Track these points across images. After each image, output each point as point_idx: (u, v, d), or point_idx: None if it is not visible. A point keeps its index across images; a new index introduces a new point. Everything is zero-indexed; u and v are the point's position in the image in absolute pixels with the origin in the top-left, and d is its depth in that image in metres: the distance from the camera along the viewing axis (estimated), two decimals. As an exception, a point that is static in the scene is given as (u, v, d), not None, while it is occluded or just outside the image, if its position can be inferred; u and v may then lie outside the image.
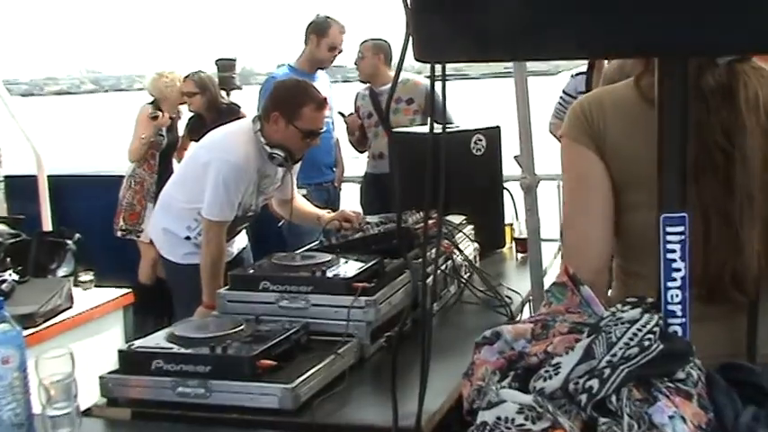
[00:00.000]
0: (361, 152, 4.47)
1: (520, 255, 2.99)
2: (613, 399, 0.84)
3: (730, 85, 1.19)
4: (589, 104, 1.32)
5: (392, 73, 4.22)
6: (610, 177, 1.28)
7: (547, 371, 0.89)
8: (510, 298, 2.40)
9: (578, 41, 0.89)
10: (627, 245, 1.31)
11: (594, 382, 0.85)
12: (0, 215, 3.55)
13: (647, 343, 0.88)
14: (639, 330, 0.90)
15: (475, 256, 2.65)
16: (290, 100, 2.72)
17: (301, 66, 4.17)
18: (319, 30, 4.13)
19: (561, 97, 4.00)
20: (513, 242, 3.07)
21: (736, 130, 1.18)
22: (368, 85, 4.36)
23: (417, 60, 0.94)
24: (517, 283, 2.56)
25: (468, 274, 2.50)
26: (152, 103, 4.50)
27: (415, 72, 4.36)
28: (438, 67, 1.04)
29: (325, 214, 2.92)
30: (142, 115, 4.40)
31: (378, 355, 1.98)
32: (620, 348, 0.88)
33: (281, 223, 3.97)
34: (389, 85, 4.14)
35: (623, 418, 0.83)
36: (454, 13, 0.89)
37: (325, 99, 2.78)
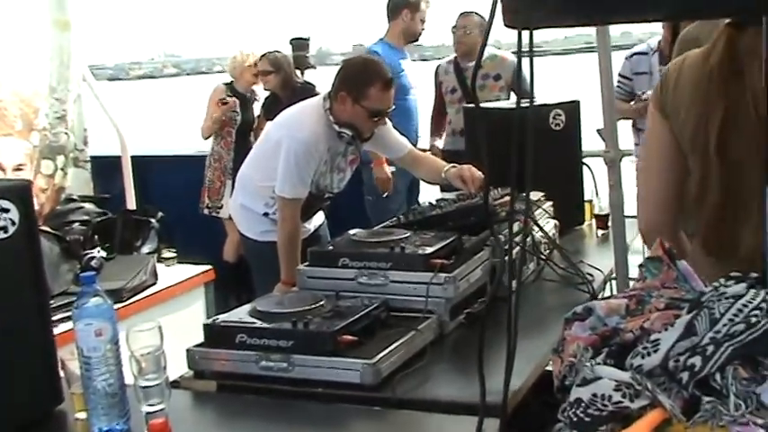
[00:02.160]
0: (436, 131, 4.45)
1: (600, 231, 2.91)
2: (717, 377, 0.81)
3: None
4: (669, 68, 1.40)
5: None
6: (674, 139, 1.36)
7: (645, 347, 0.86)
8: (591, 275, 2.34)
9: (672, 2, 0.84)
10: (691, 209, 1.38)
11: (697, 360, 0.82)
12: (87, 194, 3.67)
13: (753, 319, 0.84)
14: (745, 306, 0.85)
15: (554, 233, 2.59)
16: (357, 79, 2.71)
17: (395, 40, 4.16)
18: (412, 4, 4.12)
19: (618, 81, 3.87)
20: (593, 219, 2.99)
21: None
22: (451, 57, 4.31)
23: (506, 26, 0.91)
24: (598, 261, 2.49)
25: (547, 251, 2.45)
26: (228, 84, 4.59)
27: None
28: (525, 35, 1.01)
29: (451, 169, 2.81)
30: (214, 95, 4.51)
31: (457, 331, 1.97)
32: (725, 325, 0.84)
33: (385, 194, 4.00)
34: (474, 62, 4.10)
35: (729, 397, 0.79)
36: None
37: (392, 79, 2.75)
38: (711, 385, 0.81)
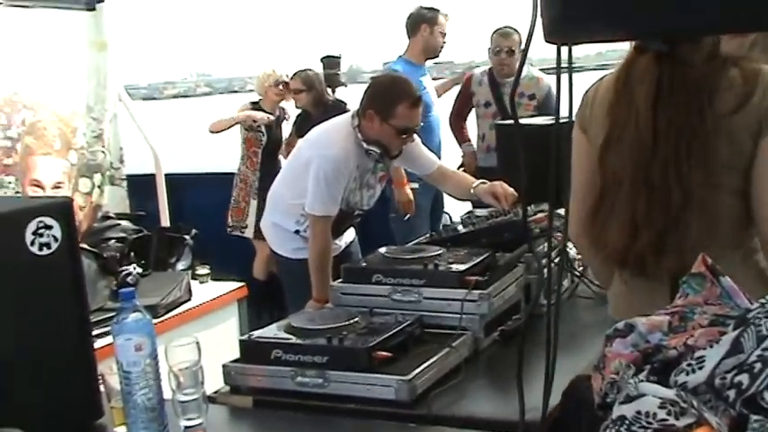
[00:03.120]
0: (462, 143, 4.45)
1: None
2: (766, 395, 0.79)
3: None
4: (591, 87, 1.56)
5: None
6: (592, 155, 1.50)
7: (690, 364, 0.85)
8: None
9: (722, 13, 0.84)
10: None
11: (744, 377, 0.80)
12: (124, 212, 3.72)
13: (801, 336, 0.82)
14: (792, 323, 0.84)
15: (588, 250, 2.57)
16: (385, 98, 2.73)
17: (415, 57, 4.17)
18: (430, 18, 4.13)
19: None
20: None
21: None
22: (485, 68, 4.30)
23: (547, 41, 0.92)
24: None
25: (581, 268, 2.43)
26: (255, 102, 4.64)
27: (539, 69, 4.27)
28: (564, 51, 1.01)
29: (480, 185, 2.81)
30: (241, 109, 4.57)
31: (492, 348, 1.96)
32: (772, 342, 0.82)
33: (407, 217, 4.00)
34: (513, 78, 4.10)
35: (777, 415, 0.78)
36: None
37: (420, 97, 2.76)
38: (759, 404, 0.80)
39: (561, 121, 1.14)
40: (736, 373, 0.81)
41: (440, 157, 3.90)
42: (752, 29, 1.23)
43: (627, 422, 0.83)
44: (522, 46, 4.00)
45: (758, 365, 0.81)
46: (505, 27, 4.23)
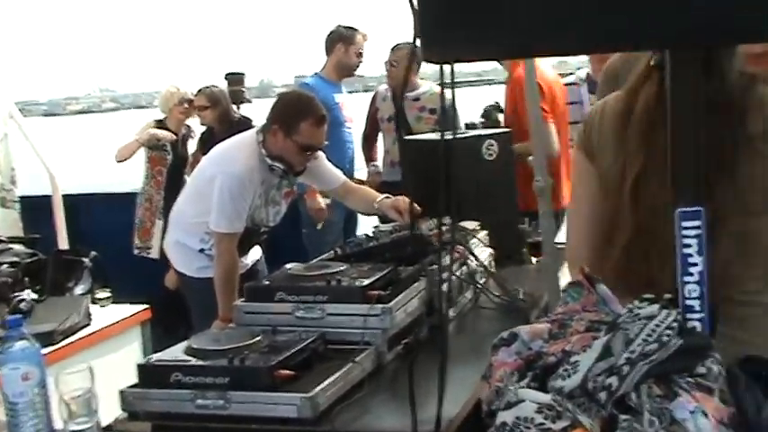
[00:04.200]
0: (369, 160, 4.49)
1: (535, 259, 2.98)
2: (633, 396, 0.84)
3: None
4: (592, 112, 1.41)
5: (420, 80, 4.23)
6: (600, 180, 1.35)
7: (566, 369, 0.89)
8: (526, 302, 2.39)
9: (587, 35, 0.89)
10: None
11: (614, 380, 0.85)
12: (16, 235, 3.57)
13: (665, 339, 0.88)
14: (657, 326, 0.89)
15: (490, 261, 2.64)
16: (290, 114, 2.74)
17: (330, 75, 4.21)
18: (346, 38, 4.18)
19: None
20: (528, 246, 3.06)
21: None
22: (389, 87, 4.37)
23: (426, 61, 0.95)
24: (533, 288, 2.55)
25: (483, 280, 2.49)
26: (160, 121, 4.55)
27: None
28: (447, 69, 1.05)
29: (384, 199, 2.86)
30: (144, 126, 4.47)
31: (395, 362, 1.98)
32: (639, 345, 0.87)
33: (319, 226, 3.99)
34: (416, 92, 4.18)
35: (644, 414, 0.82)
36: (461, 12, 0.89)
37: (324, 115, 2.78)
38: (628, 404, 0.84)
39: (446, 137, 1.17)
40: (606, 375, 0.85)
41: (352, 176, 3.95)
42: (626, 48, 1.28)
43: (508, 428, 0.86)
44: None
45: (626, 368, 0.85)
46: (403, 42, 4.31)
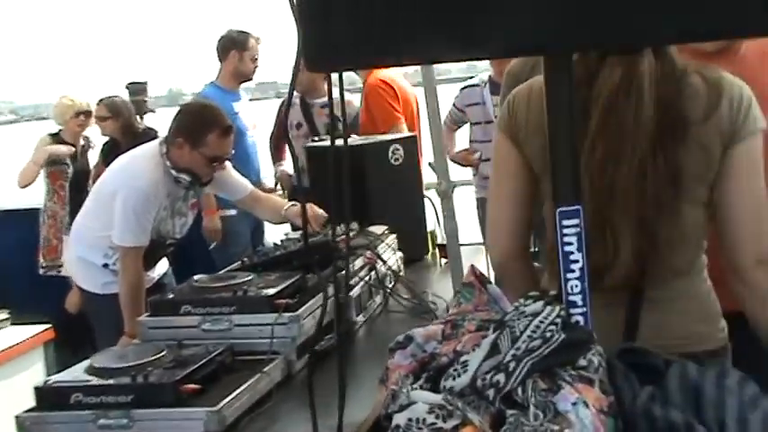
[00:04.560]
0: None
1: (443, 260, 3.03)
2: (519, 391, 0.87)
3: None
4: (515, 96, 1.40)
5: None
6: (526, 165, 1.37)
7: (455, 369, 0.91)
8: (435, 304, 2.42)
9: (462, 42, 0.92)
10: (548, 233, 1.38)
11: (501, 377, 0.88)
12: None
13: (549, 334, 0.91)
14: (542, 322, 0.93)
15: (399, 265, 2.67)
16: (195, 126, 2.70)
17: (226, 83, 4.13)
18: (239, 43, 4.09)
19: (450, 110, 4.15)
20: (437, 249, 3.11)
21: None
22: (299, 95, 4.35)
23: (310, 71, 0.95)
24: (442, 289, 2.58)
25: (392, 284, 2.52)
26: (54, 134, 4.40)
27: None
28: (335, 77, 1.06)
29: (291, 207, 2.86)
30: (39, 145, 4.32)
31: (305, 370, 1.97)
32: (524, 341, 0.90)
33: (211, 246, 3.93)
34: (323, 98, 4.17)
35: (529, 408, 0.85)
36: (341, 19, 0.91)
37: (231, 126, 2.76)
38: (515, 399, 0.87)
39: (337, 143, 1.18)
40: (494, 373, 0.88)
41: (258, 184, 3.91)
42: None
43: (401, 430, 0.88)
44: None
45: (512, 364, 0.88)
46: None
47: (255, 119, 4.27)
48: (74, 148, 4.34)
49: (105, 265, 2.86)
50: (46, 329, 3.05)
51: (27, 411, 1.69)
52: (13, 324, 3.02)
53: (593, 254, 1.14)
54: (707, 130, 1.27)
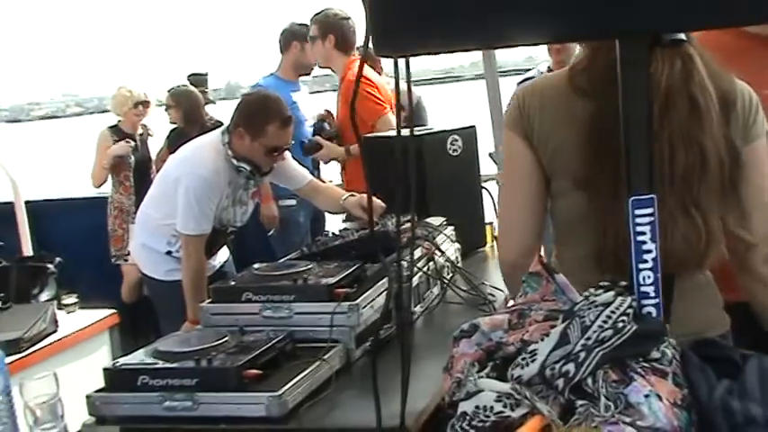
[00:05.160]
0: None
1: (502, 252, 3.00)
2: (589, 381, 0.85)
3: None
4: (524, 94, 1.40)
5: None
6: (539, 165, 1.36)
7: (524, 358, 0.90)
8: (493, 296, 2.41)
9: (537, 26, 0.91)
10: (558, 230, 1.42)
11: (570, 366, 0.86)
12: (-22, 244, 3.52)
13: (620, 325, 0.89)
14: (613, 313, 0.91)
15: (457, 257, 2.65)
16: (255, 117, 2.73)
17: (286, 74, 4.15)
18: (301, 35, 4.09)
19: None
20: (494, 240, 3.08)
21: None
22: None
23: (378, 55, 0.95)
24: (499, 281, 2.54)
25: (450, 275, 2.51)
26: (113, 126, 4.51)
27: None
28: (402, 63, 1.05)
29: (349, 197, 2.87)
30: (100, 141, 4.42)
31: (363, 359, 1.98)
32: (594, 332, 0.89)
33: (270, 232, 3.98)
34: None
35: (600, 399, 0.84)
36: (411, 4, 0.90)
37: (290, 116, 2.78)
38: (584, 389, 0.86)
39: (403, 134, 1.18)
40: (563, 363, 0.87)
41: (318, 172, 3.94)
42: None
43: (468, 417, 0.88)
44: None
45: (582, 354, 0.87)
46: None
47: (314, 110, 4.29)
48: (133, 142, 4.44)
49: (168, 252, 2.92)
50: (111, 314, 3.13)
51: (97, 391, 1.74)
52: (81, 308, 3.11)
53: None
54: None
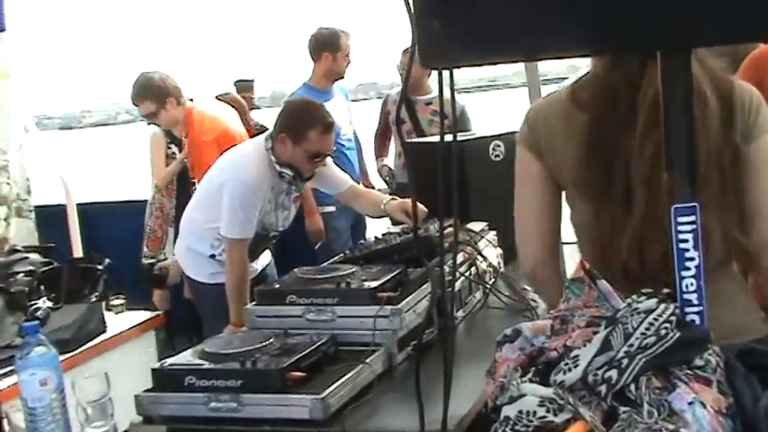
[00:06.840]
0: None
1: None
2: (632, 388, 0.86)
3: None
4: (533, 110, 1.48)
5: (433, 84, 4.24)
6: (549, 174, 1.43)
7: (566, 363, 0.91)
8: (535, 301, 2.39)
9: (578, 38, 0.91)
10: (577, 237, 1.48)
11: (613, 373, 0.87)
12: (32, 245, 3.61)
13: (663, 332, 0.89)
14: (656, 320, 0.91)
15: (499, 262, 2.65)
16: (297, 123, 2.76)
17: (318, 83, 4.18)
18: (332, 44, 4.12)
19: None
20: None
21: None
22: (399, 90, 4.38)
23: (424, 67, 0.97)
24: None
25: (492, 280, 2.51)
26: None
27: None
28: (446, 74, 1.07)
29: (391, 201, 2.89)
30: (155, 143, 4.49)
31: (406, 363, 2.00)
32: (637, 338, 0.89)
33: (317, 245, 4.01)
34: (428, 95, 4.20)
35: (643, 406, 0.84)
36: (456, 17, 0.92)
37: (332, 122, 2.80)
38: (627, 396, 0.86)
39: (447, 140, 1.19)
40: (606, 369, 0.87)
41: (357, 178, 3.97)
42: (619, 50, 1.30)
43: (511, 422, 0.89)
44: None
45: (625, 361, 0.87)
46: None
47: (353, 117, 4.33)
48: (178, 150, 4.52)
49: (212, 256, 2.97)
50: (156, 315, 3.20)
51: (145, 392, 1.78)
52: (127, 309, 3.18)
53: (652, 252, 1.20)
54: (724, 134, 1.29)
